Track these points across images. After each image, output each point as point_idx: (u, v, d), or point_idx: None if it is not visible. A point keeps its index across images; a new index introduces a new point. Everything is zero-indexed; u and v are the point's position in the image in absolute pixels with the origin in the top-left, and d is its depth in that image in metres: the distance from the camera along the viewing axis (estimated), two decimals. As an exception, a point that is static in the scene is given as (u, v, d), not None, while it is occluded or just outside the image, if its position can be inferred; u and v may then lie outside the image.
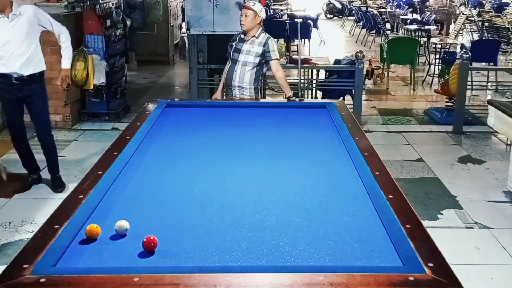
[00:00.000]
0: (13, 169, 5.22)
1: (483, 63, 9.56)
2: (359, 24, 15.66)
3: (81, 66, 6.34)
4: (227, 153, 3.17)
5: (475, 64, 8.78)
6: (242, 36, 4.72)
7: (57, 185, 4.85)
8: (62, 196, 2.52)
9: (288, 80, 5.09)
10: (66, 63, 4.68)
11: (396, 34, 14.30)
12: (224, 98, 4.92)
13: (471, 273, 3.55)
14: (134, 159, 2.95)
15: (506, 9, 15.33)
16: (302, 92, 6.95)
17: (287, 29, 11.09)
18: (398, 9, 16.29)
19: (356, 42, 14.64)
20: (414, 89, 9.28)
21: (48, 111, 4.76)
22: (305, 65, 7.07)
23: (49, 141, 4.81)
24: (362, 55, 6.60)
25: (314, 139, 3.49)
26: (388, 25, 14.95)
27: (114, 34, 7.03)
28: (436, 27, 13.42)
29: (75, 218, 2.18)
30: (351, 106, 6.36)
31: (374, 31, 13.98)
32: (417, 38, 10.91)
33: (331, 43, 14.23)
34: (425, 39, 11.11)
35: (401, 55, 9.43)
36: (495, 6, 16.91)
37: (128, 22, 7.88)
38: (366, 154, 2.97)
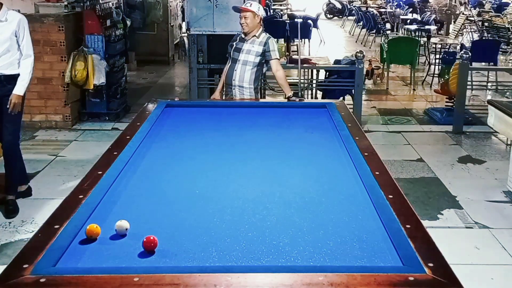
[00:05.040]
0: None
1: (483, 63, 9.56)
2: (359, 24, 15.66)
3: (81, 66, 6.35)
4: (227, 153, 3.17)
5: (475, 64, 8.79)
6: (243, 35, 4.73)
7: (9, 209, 4.32)
8: (62, 196, 2.51)
9: (288, 80, 5.09)
10: (20, 89, 4.21)
11: (396, 34, 14.31)
12: (224, 98, 4.93)
13: (471, 273, 3.55)
14: (134, 159, 2.95)
15: (506, 9, 15.33)
16: (302, 92, 6.95)
17: (287, 29, 11.10)
18: (398, 9, 16.29)
19: (356, 42, 14.65)
20: (414, 89, 9.28)
21: (20, 116, 4.37)
22: (305, 65, 7.07)
23: (13, 148, 4.36)
24: (362, 55, 6.60)
25: (314, 139, 3.49)
26: (388, 25, 14.96)
27: (114, 34, 7.03)
28: (436, 27, 13.41)
29: (75, 218, 2.18)
30: (351, 106, 6.36)
31: (374, 31, 13.99)
32: (417, 38, 10.90)
33: (331, 43, 14.23)
34: (425, 39, 11.11)
35: (401, 55, 9.43)
36: (495, 6, 16.91)
37: (128, 22, 7.88)
38: (366, 154, 2.97)
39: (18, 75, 4.26)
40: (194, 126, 3.74)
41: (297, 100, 4.50)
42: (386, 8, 16.71)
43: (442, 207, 4.60)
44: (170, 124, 3.72)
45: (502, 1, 17.18)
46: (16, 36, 4.22)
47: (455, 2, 15.74)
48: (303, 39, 12.49)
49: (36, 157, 4.85)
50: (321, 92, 7.50)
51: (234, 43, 4.77)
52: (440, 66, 8.53)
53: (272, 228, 2.19)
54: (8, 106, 4.20)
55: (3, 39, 4.18)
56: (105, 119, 6.91)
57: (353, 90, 6.69)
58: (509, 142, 6.25)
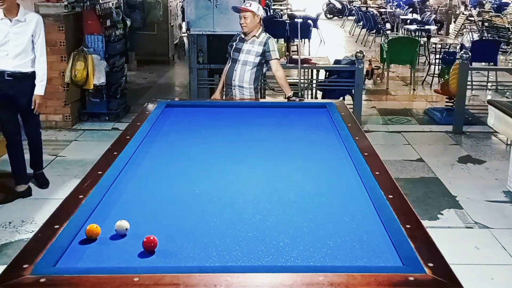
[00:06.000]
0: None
1: (483, 63, 9.56)
2: (359, 24, 15.66)
3: (81, 66, 6.35)
4: (227, 153, 3.17)
5: (475, 64, 8.79)
6: (243, 36, 4.73)
7: (42, 181, 4.88)
8: (62, 196, 2.52)
9: (288, 80, 5.09)
10: (41, 89, 4.50)
11: (396, 34, 14.30)
12: (224, 98, 4.93)
13: (471, 273, 3.55)
14: (134, 159, 2.95)
15: (506, 9, 15.33)
16: (302, 92, 6.95)
17: (287, 29, 11.10)
18: (398, 9, 16.29)
19: (356, 42, 14.64)
20: (414, 89, 9.28)
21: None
22: (305, 65, 7.06)
23: (38, 134, 4.81)
24: (362, 55, 6.60)
25: (314, 139, 3.49)
26: (388, 25, 14.95)
27: (114, 34, 7.03)
28: (436, 27, 13.41)
29: (75, 218, 2.18)
30: (351, 106, 6.36)
31: (374, 31, 13.99)
32: (417, 38, 10.90)
33: (331, 43, 14.23)
34: (425, 39, 11.11)
35: (401, 55, 9.43)
36: (495, 6, 16.91)
37: (128, 22, 7.88)
38: (366, 154, 2.97)
39: (30, 73, 4.47)
40: (194, 126, 3.74)
41: (297, 100, 4.50)
42: (386, 8, 16.71)
43: (442, 207, 4.60)
44: (170, 124, 3.72)
45: (502, 1, 17.19)
46: (32, 36, 4.44)
47: (455, 2, 15.74)
48: (303, 39, 12.48)
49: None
50: (321, 92, 7.50)
51: (234, 43, 4.77)
52: (440, 66, 8.52)
53: (272, 228, 2.19)
54: (33, 107, 4.50)
55: (24, 39, 4.39)
56: (105, 119, 6.91)
57: (353, 90, 6.69)
58: (509, 142, 6.25)
